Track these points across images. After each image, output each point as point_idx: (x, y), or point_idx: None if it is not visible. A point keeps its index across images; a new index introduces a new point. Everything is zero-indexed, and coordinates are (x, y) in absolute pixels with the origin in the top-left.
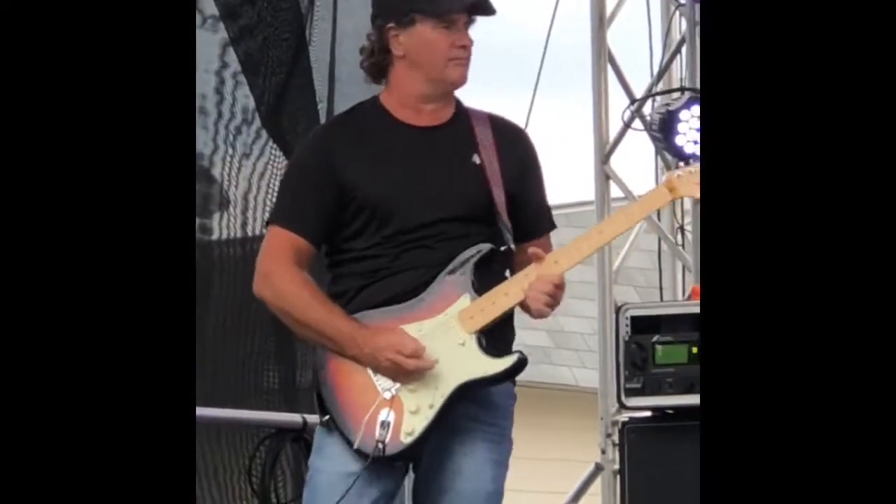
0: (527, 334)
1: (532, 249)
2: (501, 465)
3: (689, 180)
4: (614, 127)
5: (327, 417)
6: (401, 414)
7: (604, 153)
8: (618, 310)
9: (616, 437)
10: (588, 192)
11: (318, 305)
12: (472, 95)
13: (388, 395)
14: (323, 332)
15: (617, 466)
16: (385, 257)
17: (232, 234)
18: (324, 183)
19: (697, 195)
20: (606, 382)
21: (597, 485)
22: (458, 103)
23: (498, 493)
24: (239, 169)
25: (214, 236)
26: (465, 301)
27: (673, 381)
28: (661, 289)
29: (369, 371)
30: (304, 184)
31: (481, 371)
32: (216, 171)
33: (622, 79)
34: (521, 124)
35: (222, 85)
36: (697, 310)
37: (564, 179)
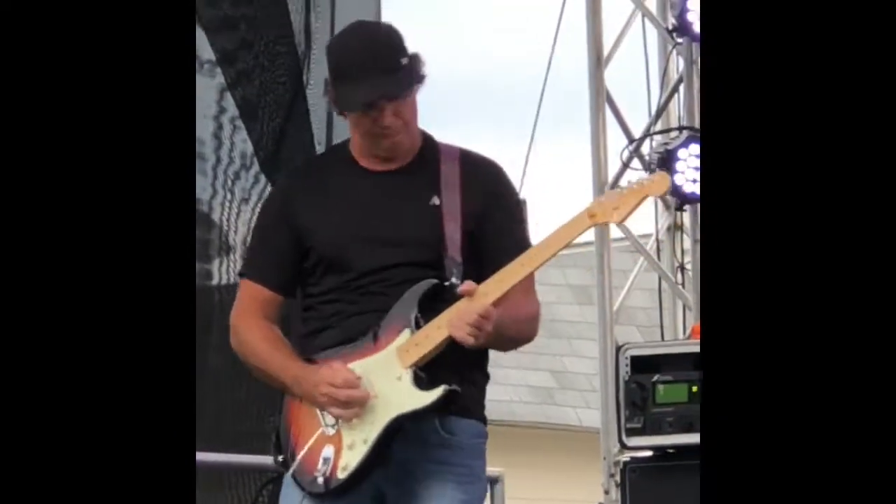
0: (531, 375)
1: (463, 287)
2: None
3: (609, 205)
4: (613, 166)
5: (281, 458)
6: (339, 450)
7: (602, 193)
8: (618, 350)
9: (618, 477)
10: (588, 232)
11: (272, 351)
12: (472, 138)
13: (330, 432)
14: (275, 375)
15: None
16: (342, 302)
17: (232, 280)
18: (284, 232)
19: (614, 219)
20: (608, 422)
21: None
22: (428, 139)
23: None
24: (238, 214)
25: (214, 281)
26: (405, 336)
27: (673, 420)
28: (661, 328)
29: (316, 409)
30: (266, 234)
31: (411, 405)
32: (215, 216)
33: (620, 118)
34: (521, 168)
35: (220, 130)
36: (697, 348)
37: (564, 220)
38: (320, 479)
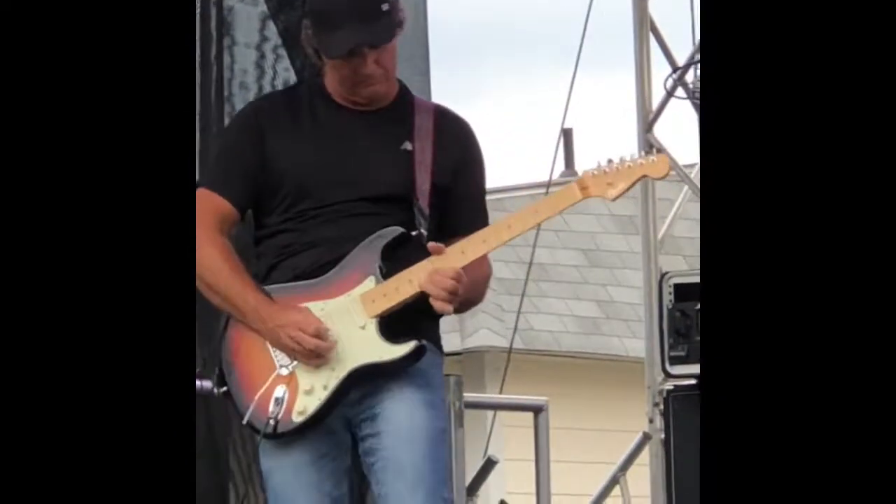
0: (576, 304)
1: (431, 244)
2: (435, 407)
3: (603, 180)
4: (657, 96)
5: (224, 389)
6: (295, 392)
7: (647, 122)
8: (661, 278)
9: (662, 406)
10: None
11: (230, 273)
12: (517, 70)
13: (284, 372)
14: (231, 300)
15: (664, 435)
16: (294, 232)
17: None
18: (251, 151)
19: (608, 195)
20: (653, 352)
21: (645, 453)
22: (404, 89)
23: (435, 430)
24: None
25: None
26: (369, 284)
27: None
28: None
29: (269, 346)
30: (232, 150)
31: (377, 356)
32: None
33: (664, 47)
34: (564, 97)
35: (262, 59)
36: None
37: (609, 150)
38: (272, 421)
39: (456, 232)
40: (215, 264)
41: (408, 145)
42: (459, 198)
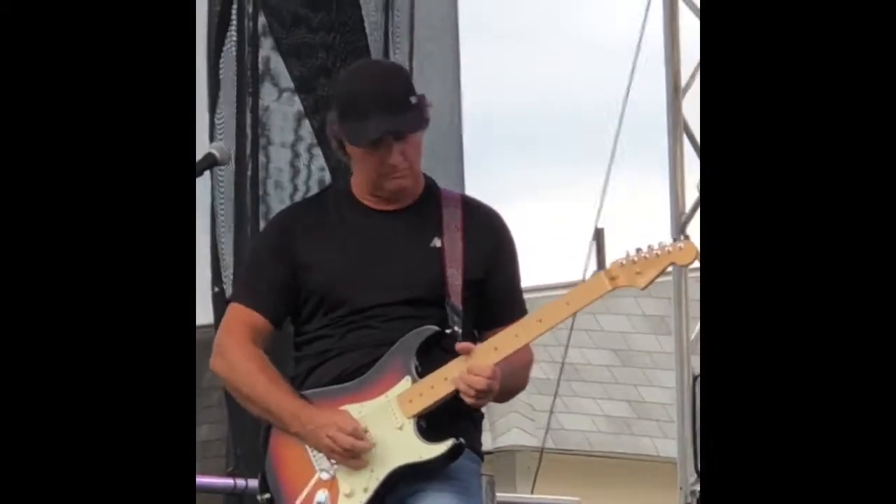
0: (608, 405)
1: (459, 345)
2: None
3: (631, 269)
4: (690, 197)
5: (267, 496)
6: (336, 496)
7: (680, 223)
8: (694, 379)
9: None
10: None
11: (266, 381)
12: (550, 166)
13: (325, 476)
14: (268, 407)
15: None
16: (332, 338)
17: None
18: (281, 262)
19: (638, 284)
20: (685, 452)
21: None
22: (430, 183)
23: None
24: None
25: None
26: (405, 384)
27: None
28: None
29: (308, 450)
30: (262, 262)
31: (416, 456)
32: None
33: (698, 148)
34: (598, 197)
35: (297, 158)
36: None
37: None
38: None
39: (494, 324)
40: (249, 374)
41: (437, 242)
42: (494, 290)
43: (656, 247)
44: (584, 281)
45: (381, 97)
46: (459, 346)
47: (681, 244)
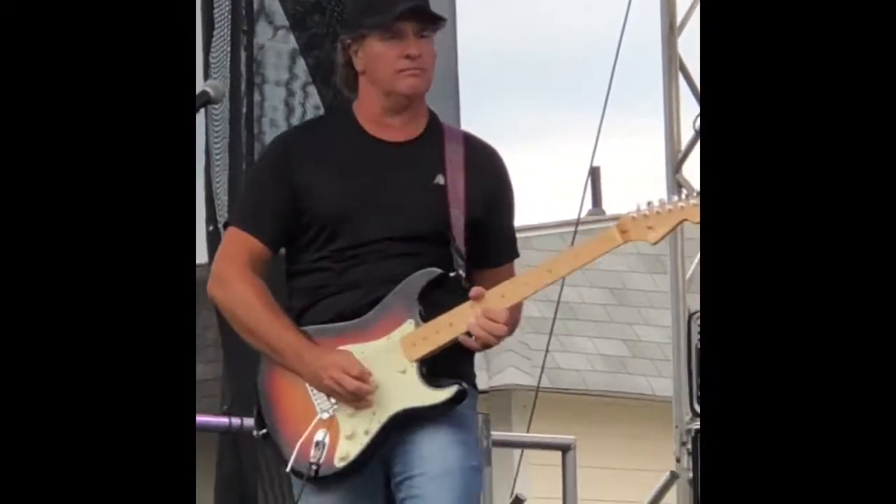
0: (603, 343)
1: (474, 291)
2: (469, 446)
3: (642, 224)
4: (686, 135)
5: (264, 431)
6: (336, 437)
7: (676, 162)
8: (689, 317)
9: (690, 446)
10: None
11: (269, 314)
12: (544, 108)
13: (325, 416)
14: (269, 342)
15: (691, 475)
16: (330, 272)
17: None
18: (282, 187)
19: (649, 239)
20: (681, 391)
21: (672, 492)
22: (434, 119)
23: (469, 470)
24: None
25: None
26: (409, 327)
27: None
28: None
29: (308, 388)
30: (262, 187)
31: (419, 400)
32: None
33: (693, 86)
34: (593, 137)
35: (292, 97)
36: None
37: (637, 190)
38: (314, 466)
39: (487, 264)
40: (250, 304)
41: (440, 179)
42: (491, 229)
43: (668, 202)
44: (581, 225)
45: (407, 9)
46: (474, 292)
47: (694, 200)
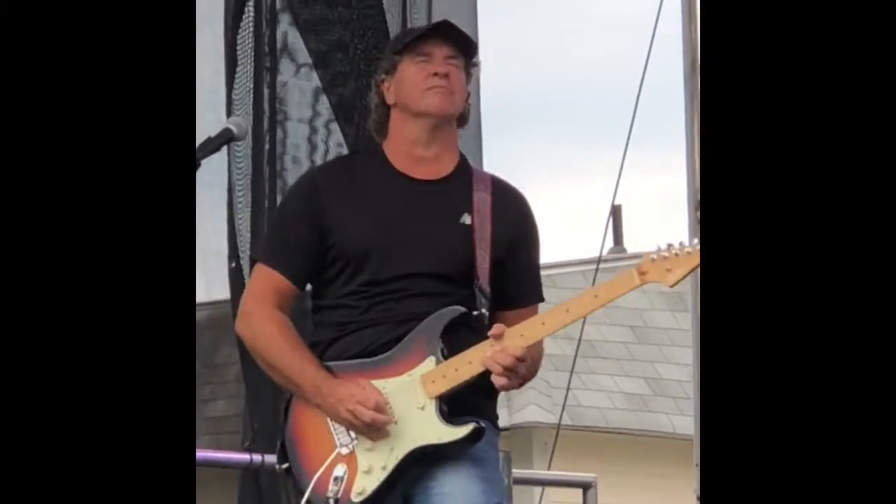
0: (625, 381)
1: (494, 329)
2: (490, 482)
3: (661, 266)
4: None
5: (286, 466)
6: (354, 472)
7: (697, 199)
8: None
9: None
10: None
11: (290, 350)
12: (566, 143)
13: (344, 451)
14: (291, 377)
15: None
16: (356, 309)
17: None
18: (309, 223)
19: (667, 282)
20: None
21: None
22: (463, 161)
23: None
24: None
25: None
26: (429, 364)
27: None
28: None
29: (330, 423)
30: (289, 225)
31: (436, 437)
32: None
33: None
34: (615, 174)
35: (314, 134)
36: None
37: (658, 227)
38: (332, 500)
39: (510, 305)
40: (275, 341)
41: (467, 219)
42: (515, 270)
43: (687, 244)
44: (603, 263)
45: (438, 23)
46: (493, 329)
47: None
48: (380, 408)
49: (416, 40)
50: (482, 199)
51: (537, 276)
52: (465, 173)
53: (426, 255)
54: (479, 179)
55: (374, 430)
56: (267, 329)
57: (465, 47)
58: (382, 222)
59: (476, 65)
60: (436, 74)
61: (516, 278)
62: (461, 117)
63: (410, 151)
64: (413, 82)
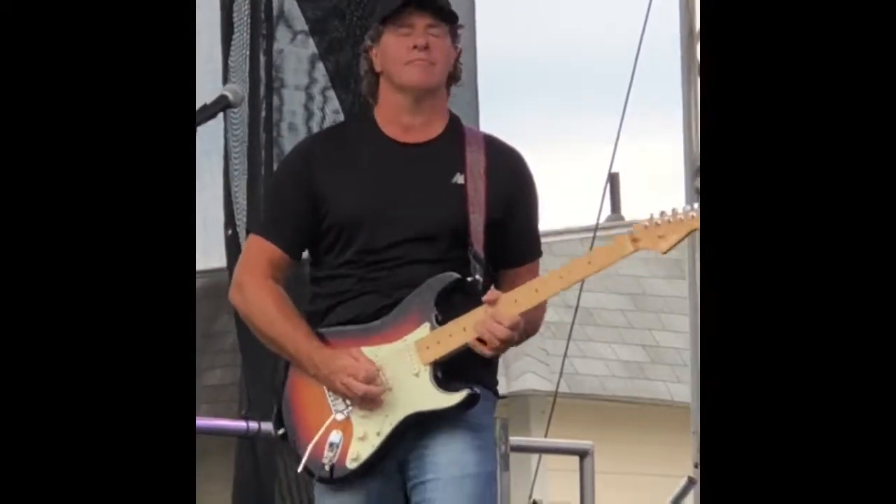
0: (622, 349)
1: (487, 295)
2: (484, 450)
3: (654, 232)
4: None
5: (282, 431)
6: (349, 438)
7: (694, 166)
8: None
9: None
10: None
11: (283, 320)
12: (563, 114)
13: (339, 417)
14: (285, 347)
15: None
16: (351, 278)
17: None
18: (302, 194)
19: (660, 248)
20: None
21: (690, 498)
22: (454, 120)
23: (483, 475)
24: None
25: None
26: (424, 330)
27: None
28: None
29: (325, 390)
30: (282, 195)
31: (430, 404)
32: None
33: None
34: (611, 143)
35: (311, 101)
36: None
37: (656, 195)
38: (327, 466)
39: (510, 264)
40: (269, 312)
41: (459, 178)
42: (512, 231)
43: (680, 211)
44: (600, 231)
45: None
46: (487, 296)
47: None
48: (371, 379)
49: (396, 11)
50: (475, 159)
51: (535, 234)
52: (456, 132)
53: (417, 219)
54: (472, 139)
55: (367, 401)
56: (260, 299)
57: (445, 15)
58: (372, 190)
59: (462, 26)
60: (415, 47)
61: (516, 237)
62: (452, 77)
63: (398, 119)
64: (394, 55)
